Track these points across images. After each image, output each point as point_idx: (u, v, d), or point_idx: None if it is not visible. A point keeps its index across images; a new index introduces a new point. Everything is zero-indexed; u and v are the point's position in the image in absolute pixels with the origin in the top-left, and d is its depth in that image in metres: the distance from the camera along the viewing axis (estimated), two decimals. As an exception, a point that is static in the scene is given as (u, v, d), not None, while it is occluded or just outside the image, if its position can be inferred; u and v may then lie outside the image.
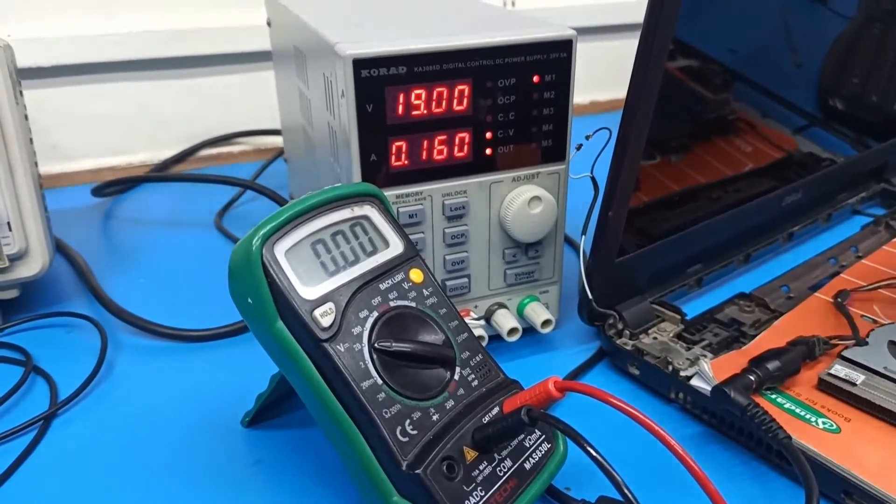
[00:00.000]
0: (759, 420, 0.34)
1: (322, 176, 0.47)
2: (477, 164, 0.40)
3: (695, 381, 0.39)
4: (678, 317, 0.45)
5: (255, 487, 0.35)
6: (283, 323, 0.29)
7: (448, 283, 0.42)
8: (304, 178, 0.56)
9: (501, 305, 0.44)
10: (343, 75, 0.36)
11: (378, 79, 0.36)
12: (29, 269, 0.47)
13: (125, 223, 0.64)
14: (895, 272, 0.49)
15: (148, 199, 0.68)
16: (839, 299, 0.45)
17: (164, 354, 0.46)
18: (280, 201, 0.56)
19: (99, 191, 0.64)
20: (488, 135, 0.40)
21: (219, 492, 0.35)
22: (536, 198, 0.41)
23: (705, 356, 0.41)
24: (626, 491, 0.26)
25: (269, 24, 0.60)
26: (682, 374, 0.40)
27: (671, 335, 0.44)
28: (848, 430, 0.35)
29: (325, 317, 0.29)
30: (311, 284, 0.30)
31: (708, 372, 0.38)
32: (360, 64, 0.36)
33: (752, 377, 0.37)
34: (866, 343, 0.40)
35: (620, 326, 0.44)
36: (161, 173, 0.74)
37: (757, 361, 0.38)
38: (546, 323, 0.44)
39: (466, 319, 0.42)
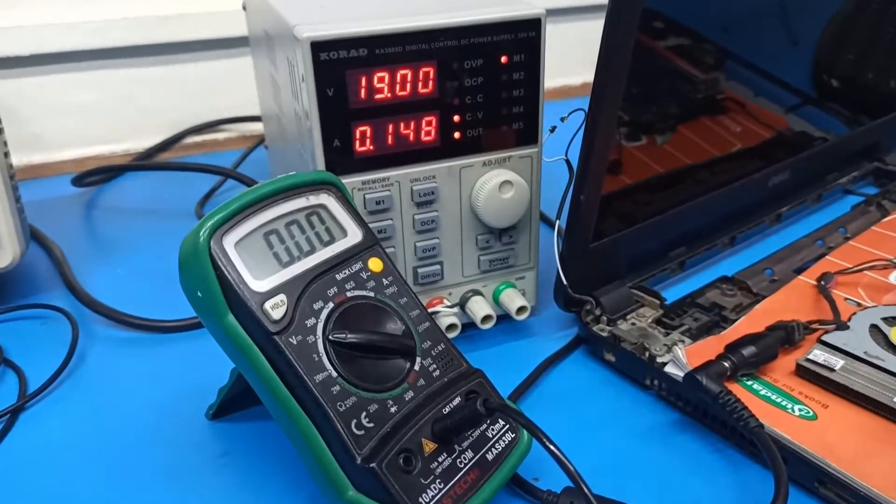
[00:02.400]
0: (731, 408, 0.33)
1: (293, 163, 0.46)
2: (445, 149, 0.39)
3: (669, 368, 0.38)
4: (657, 302, 0.44)
5: (220, 480, 0.35)
6: (234, 316, 0.28)
7: (420, 270, 0.41)
8: (282, 165, 0.55)
9: (476, 292, 0.44)
10: (302, 59, 0.35)
11: (338, 62, 0.35)
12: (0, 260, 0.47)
13: (106, 213, 0.63)
14: (882, 253, 0.47)
15: (129, 189, 0.67)
16: (822, 282, 0.44)
17: (137, 346, 0.45)
18: (258, 189, 0.55)
19: (79, 180, 0.63)
20: (456, 118, 0.39)
21: (184, 484, 0.35)
22: (508, 182, 0.40)
23: (683, 342, 0.40)
24: (582, 485, 0.25)
25: (244, 7, 0.59)
26: (659, 360, 0.39)
27: (650, 321, 0.43)
28: (825, 416, 0.35)
29: (276, 309, 0.28)
30: (263, 276, 0.29)
31: (682, 359, 0.37)
32: (318, 47, 0.35)
33: (726, 364, 0.36)
34: (847, 327, 0.39)
35: (598, 312, 0.43)
36: (140, 162, 0.73)
37: (733, 347, 0.37)
38: (521, 310, 0.43)
39: (439, 307, 0.42)
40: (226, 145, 0.76)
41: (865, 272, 0.45)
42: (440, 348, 0.32)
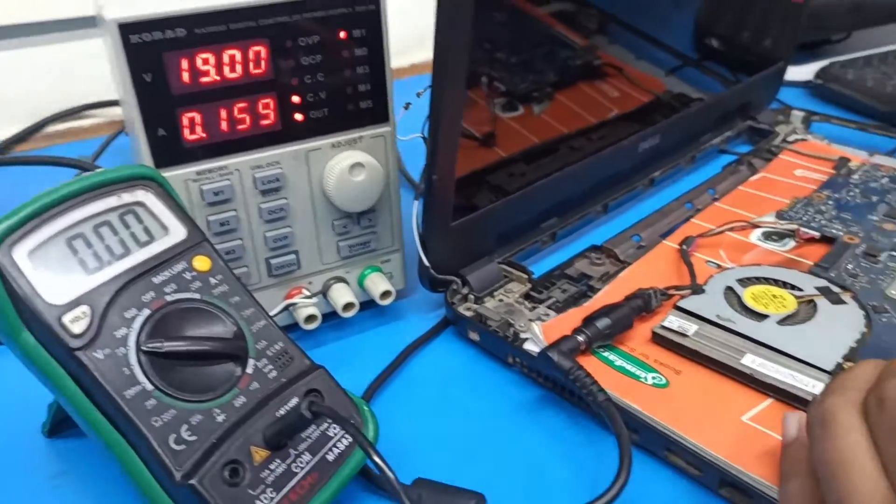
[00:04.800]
0: (580, 383, 0.33)
1: (134, 154, 0.43)
2: (288, 133, 0.37)
3: (527, 346, 0.37)
4: (525, 276, 0.44)
5: (57, 501, 0.33)
6: (30, 333, 0.26)
7: (273, 261, 0.39)
8: (136, 154, 0.52)
9: (339, 279, 0.42)
10: (112, 42, 0.32)
11: (153, 44, 0.33)
12: None
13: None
14: (745, 213, 0.48)
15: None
16: (683, 246, 0.44)
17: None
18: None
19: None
20: (296, 99, 0.37)
21: (15, 510, 0.32)
22: (359, 164, 0.38)
23: (547, 316, 0.40)
24: (401, 497, 0.24)
25: (86, -16, 0.54)
26: (522, 336, 0.38)
27: (517, 296, 0.43)
28: (676, 383, 0.35)
29: (76, 322, 0.26)
30: (63, 287, 0.27)
31: (539, 335, 0.37)
32: (127, 29, 0.32)
33: (580, 338, 0.36)
34: (703, 291, 0.40)
35: (466, 291, 0.43)
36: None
37: (588, 320, 0.37)
38: (386, 294, 0.42)
39: (297, 298, 0.40)
40: (92, 132, 0.71)
41: (727, 233, 0.46)
42: (277, 347, 0.31)
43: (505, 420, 0.36)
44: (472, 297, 0.42)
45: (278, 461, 0.28)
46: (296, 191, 0.38)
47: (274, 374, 0.30)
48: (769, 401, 0.33)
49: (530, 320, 0.40)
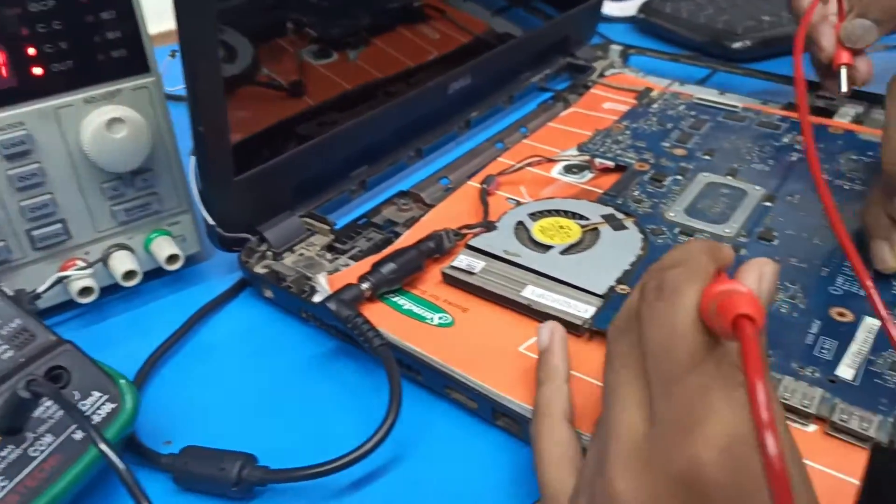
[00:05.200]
0: (358, 330, 0.32)
1: None
2: (28, 89, 0.34)
3: (315, 298, 0.36)
4: (327, 227, 0.42)
5: None
6: None
7: (35, 233, 0.36)
8: None
9: (122, 247, 0.39)
10: None
11: None
12: None
13: None
14: (551, 149, 0.49)
15: None
16: (483, 185, 0.44)
17: None
18: None
19: None
20: (31, 51, 0.33)
21: None
22: (118, 119, 0.35)
23: (346, 266, 0.39)
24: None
25: None
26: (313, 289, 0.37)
27: (319, 248, 0.41)
28: (462, 321, 0.35)
29: None
30: None
31: (324, 286, 0.36)
32: None
33: (365, 285, 0.35)
34: (495, 228, 0.40)
35: (264, 248, 0.41)
36: None
37: (375, 266, 0.36)
38: (172, 259, 0.39)
39: (71, 270, 0.37)
40: None
41: (529, 169, 0.46)
42: (13, 326, 0.28)
43: (297, 376, 0.35)
44: (270, 253, 0.41)
45: (12, 447, 0.26)
46: (49, 153, 0.35)
47: (10, 353, 0.28)
48: (547, 328, 0.34)
49: (327, 272, 0.39)
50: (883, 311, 0.27)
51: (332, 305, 0.33)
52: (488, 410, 0.31)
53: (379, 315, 0.35)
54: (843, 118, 0.50)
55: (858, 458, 0.27)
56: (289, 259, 0.41)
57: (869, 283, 0.27)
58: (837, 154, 0.45)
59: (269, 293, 0.39)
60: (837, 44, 0.45)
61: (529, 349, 0.33)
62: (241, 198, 0.40)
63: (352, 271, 0.38)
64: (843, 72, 0.43)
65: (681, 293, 0.22)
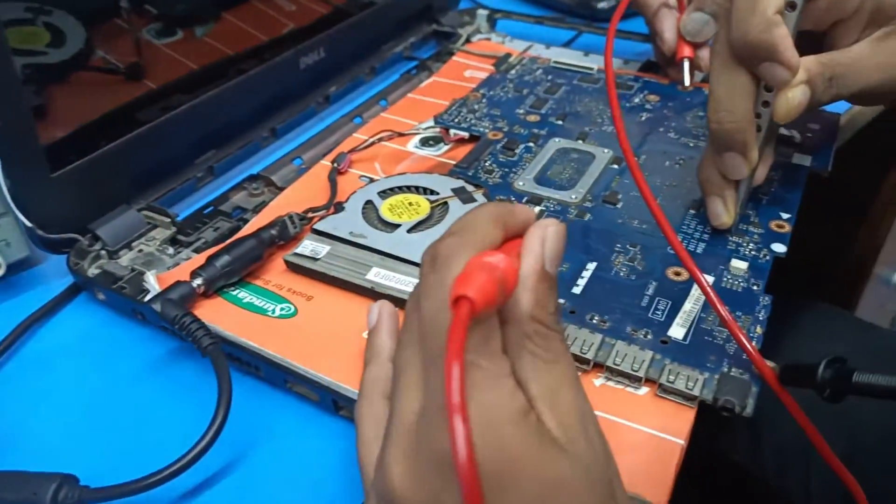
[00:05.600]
0: (186, 330, 0.30)
1: None
2: None
3: (148, 298, 0.34)
4: (168, 219, 0.40)
5: None
6: None
7: None
8: None
9: (-69, 257, 0.36)
10: None
11: None
12: None
13: None
14: (409, 121, 0.47)
15: None
16: (334, 163, 0.43)
17: None
18: None
19: None
20: None
21: None
22: None
23: (189, 259, 0.37)
24: None
25: None
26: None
27: (160, 243, 0.39)
28: (306, 310, 0.34)
29: None
30: None
31: (153, 284, 0.34)
32: None
33: (197, 281, 0.33)
34: (343, 209, 0.38)
35: (99, 247, 0.38)
36: None
37: (208, 260, 0.34)
38: (-11, 266, 0.36)
39: None
40: None
41: (386, 144, 0.45)
42: None
43: (133, 383, 0.33)
44: (105, 252, 0.38)
45: None
46: None
47: None
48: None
49: (168, 268, 0.37)
50: (693, 269, 0.28)
51: (156, 306, 0.31)
52: (330, 402, 0.30)
53: (216, 311, 0.33)
54: (697, 77, 0.50)
55: (686, 417, 0.27)
56: (126, 257, 0.38)
57: (672, 235, 0.28)
58: (685, 111, 0.46)
59: (101, 296, 0.36)
60: (679, 36, 0.45)
61: (373, 334, 0.32)
62: (63, 195, 0.37)
63: (188, 266, 0.36)
64: (686, 65, 0.43)
65: (450, 264, 0.21)
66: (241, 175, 0.45)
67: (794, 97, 0.30)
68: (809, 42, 0.34)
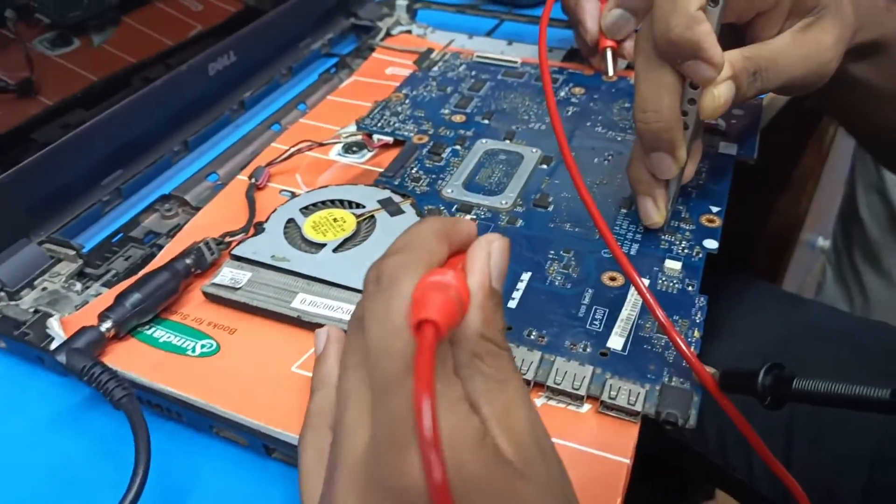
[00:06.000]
0: (95, 383, 0.28)
1: None
2: None
3: (53, 348, 0.31)
4: (73, 252, 0.37)
5: None
6: None
7: None
8: None
9: None
10: None
11: None
12: None
13: None
14: (331, 126, 0.45)
15: None
16: (252, 179, 0.40)
17: None
18: None
19: None
20: None
21: None
22: None
23: (99, 295, 0.34)
24: None
25: None
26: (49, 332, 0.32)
27: (65, 278, 0.36)
28: (229, 345, 0.31)
29: None
30: None
31: (58, 331, 0.31)
32: None
33: (106, 325, 0.31)
34: (263, 230, 0.36)
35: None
36: None
37: (118, 299, 0.32)
38: None
39: None
40: None
41: (307, 153, 0.43)
42: None
43: (46, 434, 0.31)
44: (3, 294, 0.35)
45: None
46: None
47: None
48: (324, 339, 0.31)
49: (77, 306, 0.34)
50: (634, 276, 0.27)
51: (61, 357, 0.28)
52: (259, 446, 0.28)
53: (129, 355, 0.31)
54: (621, 65, 0.50)
55: (630, 434, 0.27)
56: (28, 297, 0.35)
57: (613, 242, 0.27)
58: (612, 102, 0.45)
59: (2, 344, 0.33)
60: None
61: (304, 366, 0.30)
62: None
63: (97, 305, 0.33)
64: (609, 55, 0.43)
65: (397, 284, 0.20)
66: (152, 196, 0.42)
67: (719, 94, 0.30)
68: (731, 35, 0.33)
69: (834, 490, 0.40)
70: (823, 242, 1.04)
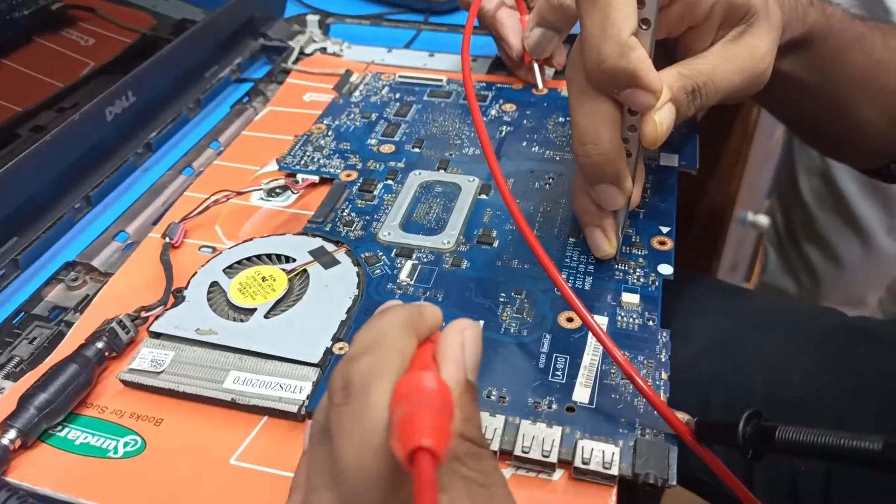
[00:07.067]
0: (0, 514, 0.24)
1: None
2: None
3: (-51, 468, 0.27)
4: (-35, 342, 0.32)
5: None
6: None
7: None
8: None
9: None
10: None
11: None
12: None
13: None
14: (249, 167, 0.42)
15: None
16: (166, 237, 0.36)
17: None
18: None
19: None
20: None
21: None
22: None
23: (2, 391, 0.30)
24: None
25: None
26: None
27: (-41, 375, 0.31)
28: (156, 440, 0.28)
29: None
30: None
31: (-49, 452, 0.27)
32: None
33: (8, 437, 0.27)
34: (183, 298, 0.33)
35: None
36: None
37: (21, 402, 0.28)
38: None
39: None
40: None
41: (224, 202, 0.39)
42: None
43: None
44: None
45: None
46: None
47: None
48: (264, 420, 0.28)
49: (-27, 409, 0.30)
50: (587, 318, 0.25)
51: (-43, 489, 0.24)
52: (203, 559, 0.25)
53: (41, 464, 0.27)
54: (549, 74, 0.47)
55: (607, 498, 0.25)
56: (-85, 403, 0.30)
57: (556, 276, 0.26)
58: (545, 118, 0.43)
59: None
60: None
61: (245, 457, 0.27)
62: None
63: (9, 398, 0.29)
64: (536, 68, 0.41)
65: (369, 394, 0.18)
66: (55, 264, 0.38)
67: (661, 120, 0.28)
68: (662, 50, 0.32)
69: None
70: (753, 217, 1.06)
